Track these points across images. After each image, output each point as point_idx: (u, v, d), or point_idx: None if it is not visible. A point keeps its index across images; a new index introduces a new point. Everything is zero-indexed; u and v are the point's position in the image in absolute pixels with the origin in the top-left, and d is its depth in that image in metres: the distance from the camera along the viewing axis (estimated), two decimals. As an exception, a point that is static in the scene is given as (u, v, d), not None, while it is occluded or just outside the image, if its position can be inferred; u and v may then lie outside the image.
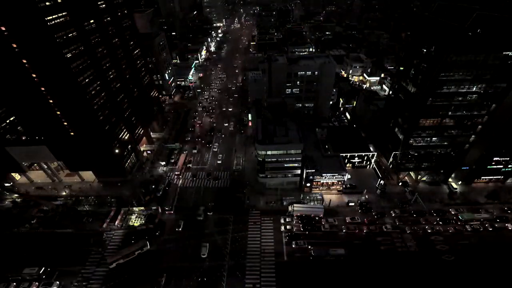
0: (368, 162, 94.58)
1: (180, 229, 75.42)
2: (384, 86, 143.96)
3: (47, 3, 60.77)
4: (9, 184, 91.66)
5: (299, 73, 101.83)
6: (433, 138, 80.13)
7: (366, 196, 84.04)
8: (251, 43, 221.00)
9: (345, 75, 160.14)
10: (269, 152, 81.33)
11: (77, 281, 64.58)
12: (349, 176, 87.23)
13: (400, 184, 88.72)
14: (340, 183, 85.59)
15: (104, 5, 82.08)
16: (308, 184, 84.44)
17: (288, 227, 76.00)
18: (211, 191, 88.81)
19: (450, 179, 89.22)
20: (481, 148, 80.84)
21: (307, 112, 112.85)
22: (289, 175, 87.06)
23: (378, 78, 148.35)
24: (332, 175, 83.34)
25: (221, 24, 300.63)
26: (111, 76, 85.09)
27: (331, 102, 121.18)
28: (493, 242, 71.02)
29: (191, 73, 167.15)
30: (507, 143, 78.34)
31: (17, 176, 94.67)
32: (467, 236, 72.87)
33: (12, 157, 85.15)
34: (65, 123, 76.28)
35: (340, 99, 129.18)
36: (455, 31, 63.15)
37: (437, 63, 67.13)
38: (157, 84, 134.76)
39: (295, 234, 73.76)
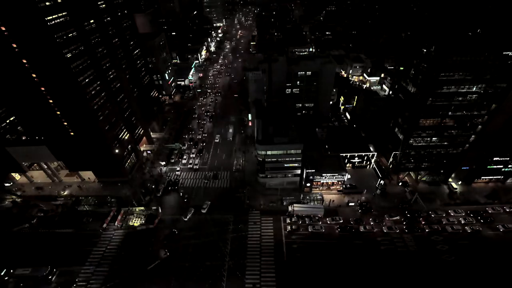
0: (368, 162, 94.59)
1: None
2: (384, 86, 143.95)
3: (47, 3, 60.76)
4: (9, 184, 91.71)
5: (299, 73, 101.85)
6: (433, 138, 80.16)
7: (366, 196, 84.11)
8: (251, 43, 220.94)
9: (345, 75, 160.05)
10: (269, 152, 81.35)
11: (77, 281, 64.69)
12: (349, 176, 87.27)
13: (400, 184, 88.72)
14: (340, 183, 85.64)
15: (104, 5, 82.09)
16: (308, 184, 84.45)
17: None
18: (211, 191, 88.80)
19: (450, 179, 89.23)
20: (481, 148, 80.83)
21: (307, 112, 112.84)
22: (289, 175, 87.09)
23: (378, 78, 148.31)
24: (332, 175, 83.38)
25: (221, 24, 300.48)
26: (111, 76, 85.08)
27: (331, 102, 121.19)
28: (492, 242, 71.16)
29: (191, 73, 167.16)
30: (507, 143, 78.35)
31: (17, 176, 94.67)
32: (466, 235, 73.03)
33: (12, 157, 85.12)
34: (65, 123, 76.29)
35: (340, 99, 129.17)
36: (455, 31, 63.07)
37: (437, 63, 67.11)
38: (157, 84, 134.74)
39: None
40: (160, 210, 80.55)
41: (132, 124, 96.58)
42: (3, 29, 59.70)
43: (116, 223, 77.00)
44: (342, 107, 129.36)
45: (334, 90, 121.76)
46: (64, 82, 68.25)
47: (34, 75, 66.89)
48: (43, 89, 69.52)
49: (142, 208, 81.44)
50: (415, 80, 77.57)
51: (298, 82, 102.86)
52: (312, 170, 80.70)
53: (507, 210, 79.11)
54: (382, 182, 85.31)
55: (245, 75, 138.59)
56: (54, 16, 61.88)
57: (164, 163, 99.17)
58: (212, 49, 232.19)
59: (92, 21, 75.95)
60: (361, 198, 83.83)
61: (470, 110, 73.98)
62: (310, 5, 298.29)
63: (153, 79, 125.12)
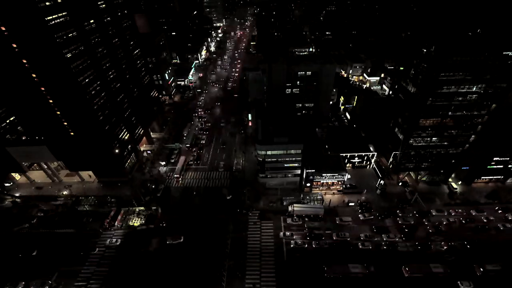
0: (368, 162, 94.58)
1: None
2: (384, 86, 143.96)
3: (47, 3, 60.76)
4: (9, 184, 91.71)
5: (299, 73, 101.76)
6: (433, 138, 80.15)
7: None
8: (251, 43, 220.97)
9: (345, 75, 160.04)
10: (269, 152, 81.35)
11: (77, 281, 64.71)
12: (349, 176, 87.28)
13: (400, 184, 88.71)
14: (340, 183, 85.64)
15: (104, 5, 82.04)
16: (308, 184, 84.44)
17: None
18: (211, 191, 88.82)
19: (450, 179, 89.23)
20: (481, 148, 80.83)
21: (307, 112, 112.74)
22: (289, 175, 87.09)
23: (378, 78, 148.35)
24: (332, 175, 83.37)
25: (221, 24, 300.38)
26: (111, 76, 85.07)
27: (331, 102, 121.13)
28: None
29: (191, 73, 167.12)
30: (507, 143, 78.33)
31: (17, 176, 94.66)
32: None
33: (12, 157, 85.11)
34: (65, 123, 76.27)
35: (340, 99, 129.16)
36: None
37: (437, 63, 67.11)
38: (157, 84, 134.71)
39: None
40: (160, 210, 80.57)
41: (132, 124, 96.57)
42: (3, 29, 59.68)
43: (116, 223, 76.99)
44: (342, 107, 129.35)
45: (334, 90, 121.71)
46: (64, 82, 68.24)
47: (34, 75, 66.88)
48: (43, 89, 69.51)
49: (142, 208, 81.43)
50: (415, 80, 77.56)
51: (298, 82, 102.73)
52: (312, 170, 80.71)
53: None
54: (382, 182, 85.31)
55: (245, 75, 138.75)
56: (54, 16, 61.88)
57: (164, 163, 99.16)
58: (212, 49, 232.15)
59: (92, 21, 75.92)
60: (361, 198, 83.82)
61: (470, 110, 73.99)
62: (310, 5, 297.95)
63: (153, 79, 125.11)
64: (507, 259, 66.12)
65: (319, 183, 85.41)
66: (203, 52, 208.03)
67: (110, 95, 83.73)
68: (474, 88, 70.01)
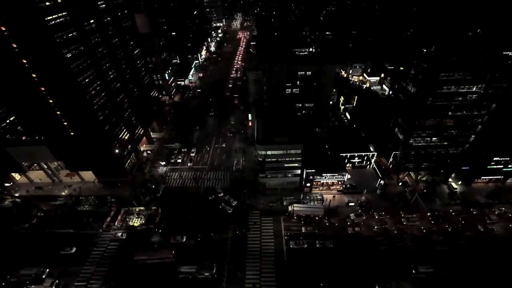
0: (368, 162, 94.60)
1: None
2: (384, 86, 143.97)
3: (47, 3, 60.71)
4: (9, 184, 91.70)
5: (299, 73, 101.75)
6: (433, 138, 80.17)
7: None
8: (251, 43, 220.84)
9: (345, 75, 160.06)
10: (269, 152, 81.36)
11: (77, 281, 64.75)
12: (349, 176, 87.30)
13: (400, 184, 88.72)
14: (340, 183, 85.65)
15: (104, 5, 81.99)
16: (308, 184, 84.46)
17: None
18: (211, 190, 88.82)
19: (450, 179, 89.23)
20: (481, 148, 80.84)
21: (307, 112, 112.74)
22: (289, 175, 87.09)
23: (378, 78, 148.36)
24: (332, 175, 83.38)
25: (221, 24, 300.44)
26: (111, 76, 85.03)
27: (331, 102, 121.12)
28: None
29: (191, 73, 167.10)
30: (507, 143, 78.35)
31: (17, 176, 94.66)
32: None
33: (12, 157, 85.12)
34: (65, 123, 76.26)
35: (340, 99, 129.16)
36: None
37: (437, 63, 67.11)
38: (157, 84, 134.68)
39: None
40: (160, 210, 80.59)
41: (132, 124, 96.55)
42: (3, 29, 59.65)
43: (116, 223, 77.00)
44: (342, 107, 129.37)
45: (334, 90, 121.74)
46: (64, 82, 68.21)
47: (34, 75, 66.85)
48: (43, 89, 69.48)
49: (142, 208, 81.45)
50: (415, 80, 77.57)
51: (298, 82, 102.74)
52: (312, 170, 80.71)
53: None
54: (382, 182, 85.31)
55: (245, 75, 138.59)
56: (54, 16, 61.81)
57: (164, 163, 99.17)
58: (212, 49, 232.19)
59: (92, 21, 75.85)
60: (361, 198, 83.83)
61: (470, 110, 74.00)
62: (310, 5, 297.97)
63: (153, 79, 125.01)
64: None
65: (319, 183, 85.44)
66: (203, 52, 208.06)
67: (110, 95, 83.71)
68: (474, 88, 70.03)
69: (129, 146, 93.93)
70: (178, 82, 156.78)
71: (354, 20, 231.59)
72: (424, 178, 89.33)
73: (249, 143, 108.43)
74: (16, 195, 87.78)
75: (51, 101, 71.76)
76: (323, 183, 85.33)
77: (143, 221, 77.43)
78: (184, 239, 72.59)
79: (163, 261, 66.72)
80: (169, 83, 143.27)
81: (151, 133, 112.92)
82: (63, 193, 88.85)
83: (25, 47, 62.40)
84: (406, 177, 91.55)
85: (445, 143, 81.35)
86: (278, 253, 69.62)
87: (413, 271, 64.37)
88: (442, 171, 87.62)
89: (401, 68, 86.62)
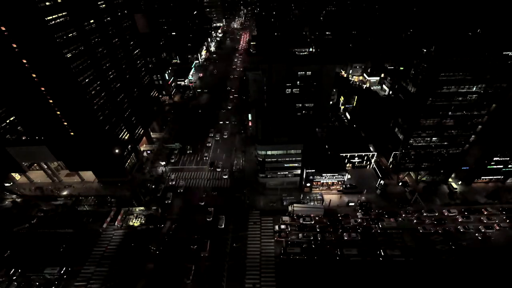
0: (368, 162, 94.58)
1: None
2: (384, 86, 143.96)
3: (47, 3, 60.77)
4: (9, 184, 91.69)
5: (299, 73, 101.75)
6: (433, 138, 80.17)
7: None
8: (251, 43, 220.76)
9: (345, 75, 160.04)
10: (269, 152, 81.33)
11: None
12: (349, 176, 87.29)
13: (400, 184, 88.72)
14: (340, 183, 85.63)
15: (104, 5, 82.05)
16: (308, 184, 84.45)
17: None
18: (211, 190, 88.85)
19: (450, 179, 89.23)
20: (481, 148, 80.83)
21: (307, 112, 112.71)
22: (289, 175, 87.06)
23: (378, 78, 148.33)
24: (332, 175, 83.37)
25: (221, 24, 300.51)
26: (111, 76, 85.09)
27: (331, 102, 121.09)
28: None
29: (191, 73, 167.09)
30: (507, 143, 78.34)
31: (17, 176, 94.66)
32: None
33: (12, 157, 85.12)
34: (65, 123, 76.29)
35: (340, 99, 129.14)
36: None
37: (437, 63, 67.10)
38: (157, 84, 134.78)
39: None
40: (160, 210, 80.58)
41: (132, 124, 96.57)
42: (3, 29, 59.67)
43: (116, 223, 77.01)
44: (342, 107, 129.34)
45: (334, 90, 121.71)
46: (64, 82, 68.25)
47: (34, 75, 66.87)
48: (43, 89, 69.51)
49: (142, 208, 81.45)
50: (415, 80, 77.56)
51: (298, 82, 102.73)
52: (312, 170, 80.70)
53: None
54: (382, 182, 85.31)
55: (245, 75, 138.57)
56: (54, 16, 61.88)
57: (164, 163, 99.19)
58: (212, 49, 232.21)
59: (92, 21, 75.92)
60: (361, 198, 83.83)
61: (470, 110, 74.00)
62: (310, 5, 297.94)
63: (153, 79, 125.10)
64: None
65: (319, 183, 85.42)
66: (203, 52, 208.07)
67: (110, 95, 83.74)
68: (474, 88, 70.03)
69: (129, 146, 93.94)
70: (178, 82, 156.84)
71: (354, 20, 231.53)
72: (424, 178, 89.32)
73: (249, 143, 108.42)
74: (18, 194, 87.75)
75: (51, 101, 71.80)
76: (323, 183, 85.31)
77: (143, 221, 77.44)
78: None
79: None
80: (169, 83, 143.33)
81: (151, 133, 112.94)
82: (63, 193, 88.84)
83: (25, 47, 62.43)
84: (406, 177, 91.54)
85: (445, 143, 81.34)
86: (278, 253, 69.52)
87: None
88: (442, 171, 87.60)
89: (401, 68, 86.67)
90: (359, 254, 68.68)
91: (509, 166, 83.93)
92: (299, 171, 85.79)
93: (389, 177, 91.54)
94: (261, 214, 79.80)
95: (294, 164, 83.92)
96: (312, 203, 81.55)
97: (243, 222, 77.50)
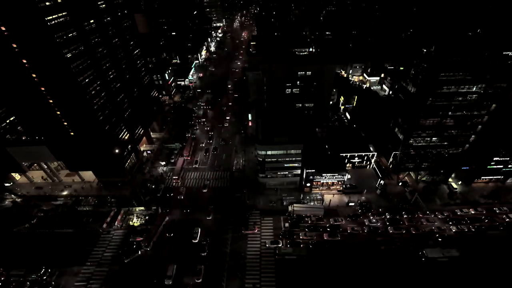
0: (368, 162, 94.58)
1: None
2: (384, 86, 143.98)
3: (47, 3, 60.75)
4: (9, 184, 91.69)
5: (299, 73, 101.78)
6: (433, 138, 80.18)
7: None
8: (251, 43, 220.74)
9: (345, 75, 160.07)
10: (269, 152, 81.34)
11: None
12: (349, 176, 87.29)
13: (400, 184, 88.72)
14: (340, 183, 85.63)
15: (104, 5, 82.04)
16: (308, 184, 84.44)
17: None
18: (211, 190, 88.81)
19: (450, 179, 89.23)
20: (481, 148, 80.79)
21: (307, 112, 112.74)
22: (289, 175, 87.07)
23: (378, 78, 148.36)
24: (332, 175, 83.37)
25: (221, 24, 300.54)
26: (111, 76, 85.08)
27: (331, 102, 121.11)
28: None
29: (191, 73, 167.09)
30: (507, 143, 78.33)
31: (17, 176, 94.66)
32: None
33: (12, 157, 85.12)
34: (65, 123, 76.25)
35: (340, 99, 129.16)
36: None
37: (437, 63, 67.10)
38: (157, 84, 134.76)
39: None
40: (160, 210, 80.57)
41: (132, 124, 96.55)
42: (3, 29, 59.65)
43: (116, 223, 77.00)
44: (342, 107, 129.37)
45: (334, 90, 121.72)
46: (64, 82, 68.22)
47: (34, 75, 66.85)
48: (43, 89, 69.47)
49: (142, 208, 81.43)
50: (415, 80, 77.56)
51: (298, 82, 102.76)
52: (312, 170, 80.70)
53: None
54: (382, 182, 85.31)
55: (245, 75, 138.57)
56: (54, 16, 61.85)
57: (164, 163, 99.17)
58: (212, 49, 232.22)
59: (92, 21, 75.91)
60: (361, 198, 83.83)
61: (470, 110, 74.00)
62: (310, 5, 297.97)
63: (153, 79, 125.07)
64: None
65: (319, 183, 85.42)
66: (203, 52, 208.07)
67: (110, 95, 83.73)
68: (474, 88, 70.03)
69: (129, 146, 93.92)
70: (178, 82, 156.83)
71: (354, 20, 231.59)
72: (424, 178, 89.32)
73: (249, 143, 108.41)
74: (18, 194, 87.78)
75: (51, 101, 71.76)
76: (323, 183, 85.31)
77: (143, 221, 77.42)
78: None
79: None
80: (169, 83, 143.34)
81: (151, 133, 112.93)
82: (63, 193, 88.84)
83: (25, 47, 62.39)
84: (406, 177, 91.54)
85: (445, 143, 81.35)
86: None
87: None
88: (442, 171, 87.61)
89: (401, 68, 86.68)
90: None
91: (509, 166, 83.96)
92: (299, 171, 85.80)
93: (389, 177, 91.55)
94: (261, 214, 79.79)
95: (294, 164, 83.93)
96: (312, 203, 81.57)
97: (243, 222, 77.43)
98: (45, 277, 64.87)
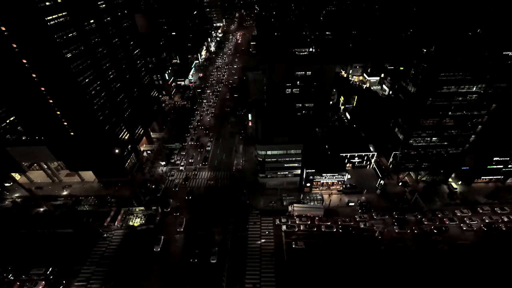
0: (368, 162, 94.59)
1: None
2: (384, 86, 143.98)
3: (47, 3, 60.75)
4: (9, 184, 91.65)
5: (299, 73, 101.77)
6: (433, 138, 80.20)
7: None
8: (251, 43, 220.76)
9: (345, 75, 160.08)
10: (269, 152, 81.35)
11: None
12: (349, 176, 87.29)
13: (400, 184, 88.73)
14: (340, 183, 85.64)
15: (104, 5, 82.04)
16: (308, 184, 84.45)
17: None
18: (211, 190, 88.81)
19: (450, 179, 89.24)
20: (481, 148, 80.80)
21: (307, 112, 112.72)
22: (289, 175, 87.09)
23: (378, 78, 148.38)
24: (332, 175, 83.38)
25: (221, 24, 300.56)
26: (111, 76, 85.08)
27: (331, 102, 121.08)
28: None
29: (191, 73, 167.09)
30: (507, 143, 78.33)
31: (17, 176, 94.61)
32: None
33: (12, 157, 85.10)
34: (65, 123, 76.24)
35: (340, 99, 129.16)
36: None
37: (437, 63, 67.11)
38: (157, 84, 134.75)
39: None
40: (160, 210, 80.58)
41: (132, 124, 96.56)
42: (3, 29, 59.64)
43: (116, 223, 77.01)
44: (342, 107, 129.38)
45: (334, 90, 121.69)
46: (64, 82, 68.23)
47: (34, 75, 66.85)
48: (43, 89, 69.47)
49: (142, 208, 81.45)
50: (415, 80, 77.56)
51: (298, 82, 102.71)
52: (312, 170, 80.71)
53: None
54: (382, 182, 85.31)
55: (245, 75, 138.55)
56: (54, 16, 61.86)
57: (164, 163, 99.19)
58: (212, 49, 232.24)
59: (92, 21, 75.91)
60: (361, 198, 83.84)
61: (470, 110, 74.02)
62: (310, 5, 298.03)
63: (153, 79, 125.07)
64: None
65: (319, 183, 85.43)
66: (203, 52, 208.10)
67: (110, 95, 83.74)
68: (474, 88, 70.06)
69: (129, 146, 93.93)
70: (178, 82, 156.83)
71: (354, 20, 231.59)
72: (424, 178, 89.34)
73: (249, 143, 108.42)
74: (17, 195, 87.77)
75: (51, 101, 71.74)
76: (323, 183, 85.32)
77: (143, 221, 77.44)
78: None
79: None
80: (169, 83, 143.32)
81: (151, 133, 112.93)
82: (63, 193, 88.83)
83: (25, 47, 62.38)
84: (406, 177, 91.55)
85: (445, 143, 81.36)
86: (278, 253, 69.57)
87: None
88: (442, 171, 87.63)
89: (401, 68, 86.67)
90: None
91: (509, 166, 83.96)
92: (299, 171, 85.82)
93: (389, 177, 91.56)
94: (261, 214, 79.80)
95: (294, 164, 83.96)
96: (312, 203, 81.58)
97: (243, 222, 77.45)
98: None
